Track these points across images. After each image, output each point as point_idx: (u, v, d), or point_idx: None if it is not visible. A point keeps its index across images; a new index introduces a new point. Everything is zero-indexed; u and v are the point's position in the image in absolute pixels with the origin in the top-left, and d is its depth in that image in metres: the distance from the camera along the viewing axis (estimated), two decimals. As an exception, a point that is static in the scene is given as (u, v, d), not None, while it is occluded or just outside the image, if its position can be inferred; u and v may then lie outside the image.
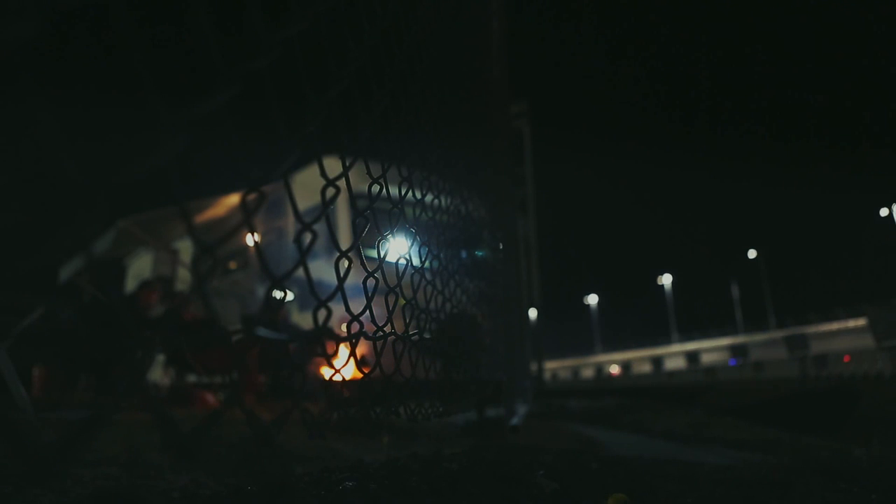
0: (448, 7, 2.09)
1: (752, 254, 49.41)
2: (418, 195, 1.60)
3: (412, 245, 1.52)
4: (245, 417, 0.65)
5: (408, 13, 1.42)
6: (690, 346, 46.61)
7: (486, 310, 3.01)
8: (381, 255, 1.25)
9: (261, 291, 7.04)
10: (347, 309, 1.07)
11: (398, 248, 1.42)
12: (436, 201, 1.79)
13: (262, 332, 0.69)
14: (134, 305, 4.84)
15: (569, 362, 56.87)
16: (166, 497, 1.38)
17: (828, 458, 2.54)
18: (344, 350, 1.10)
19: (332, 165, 0.96)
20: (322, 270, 1.08)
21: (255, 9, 0.65)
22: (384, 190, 1.23)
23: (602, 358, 54.97)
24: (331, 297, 0.93)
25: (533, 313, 11.13)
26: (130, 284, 8.21)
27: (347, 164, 1.01)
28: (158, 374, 5.78)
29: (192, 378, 5.39)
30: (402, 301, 1.37)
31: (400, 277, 1.38)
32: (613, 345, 56.55)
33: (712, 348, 44.40)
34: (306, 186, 1.43)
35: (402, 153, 1.36)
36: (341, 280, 1.02)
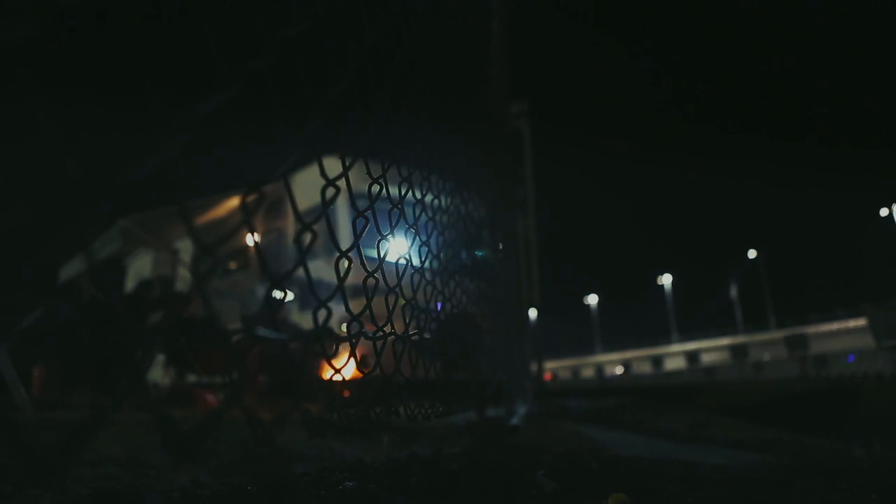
0: (448, 7, 2.08)
1: (752, 254, 49.43)
2: (418, 195, 1.60)
3: (412, 245, 1.52)
4: (245, 417, 0.65)
5: (408, 13, 1.42)
6: (690, 345, 46.60)
7: (486, 310, 3.00)
8: (381, 255, 1.25)
9: (261, 291, 7.04)
10: (347, 309, 1.07)
11: (398, 248, 1.42)
12: (436, 201, 1.79)
13: (262, 332, 0.69)
14: (134, 305, 4.84)
15: (569, 362, 56.85)
16: (166, 497, 1.38)
17: (828, 458, 2.54)
18: (344, 350, 1.11)
19: (332, 165, 0.96)
20: (322, 270, 1.09)
21: (255, 9, 0.65)
22: (384, 190, 1.23)
23: (602, 358, 54.96)
24: (331, 297, 0.93)
25: (533, 313, 11.13)
26: (130, 284, 8.22)
27: (347, 164, 1.01)
28: (158, 374, 5.78)
29: (192, 378, 5.39)
30: (401, 301, 1.37)
31: (400, 277, 1.38)
32: (613, 345, 56.55)
33: (712, 348, 44.39)
34: (306, 186, 1.43)
35: (402, 153, 1.36)
36: (341, 280, 1.02)
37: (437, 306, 1.78)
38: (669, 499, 1.36)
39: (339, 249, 1.03)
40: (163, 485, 1.52)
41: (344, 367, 1.15)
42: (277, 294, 0.76)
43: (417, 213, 1.57)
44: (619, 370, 45.30)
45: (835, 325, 34.27)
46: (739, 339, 42.86)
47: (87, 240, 0.41)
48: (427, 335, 1.63)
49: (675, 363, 45.70)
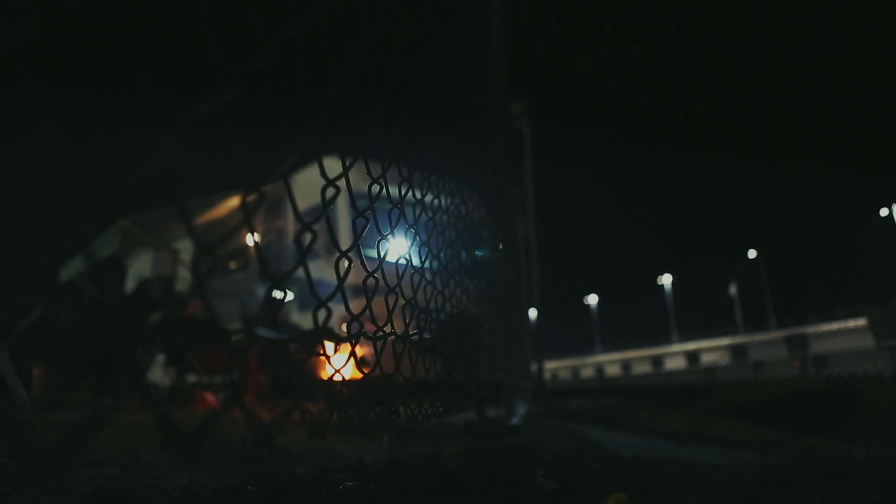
0: (448, 7, 2.08)
1: (752, 254, 49.44)
2: (418, 195, 1.60)
3: (412, 245, 1.52)
4: (245, 417, 0.65)
5: (408, 13, 1.42)
6: (690, 345, 46.57)
7: (486, 310, 3.01)
8: (381, 255, 1.25)
9: (261, 291, 7.04)
10: (347, 309, 1.07)
11: (398, 248, 1.41)
12: (436, 201, 1.79)
13: (262, 332, 0.69)
14: (134, 305, 4.83)
15: (569, 362, 56.85)
16: (166, 497, 1.38)
17: (828, 458, 2.54)
18: (344, 350, 1.11)
19: (332, 165, 0.96)
20: (322, 270, 1.09)
21: (255, 9, 0.65)
22: (384, 190, 1.23)
23: (602, 358, 54.96)
24: (331, 297, 0.93)
25: (533, 313, 11.12)
26: (130, 284, 8.22)
27: (347, 164, 1.01)
28: (158, 374, 5.78)
29: (192, 378, 5.39)
30: (402, 301, 1.37)
31: (400, 277, 1.38)
32: (613, 345, 56.55)
33: (712, 348, 44.36)
34: (306, 186, 1.43)
35: (402, 153, 1.36)
36: (341, 280, 1.02)
37: (444, 312, 1.78)
38: (669, 499, 1.36)
39: (339, 249, 1.03)
40: (163, 485, 1.52)
41: (344, 367, 1.15)
42: (277, 294, 0.76)
43: (417, 213, 1.57)
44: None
45: (835, 325, 34.25)
46: (739, 339, 42.83)
47: (87, 240, 0.41)
48: (427, 335, 1.63)
49: (675, 363, 45.68)
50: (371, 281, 1.20)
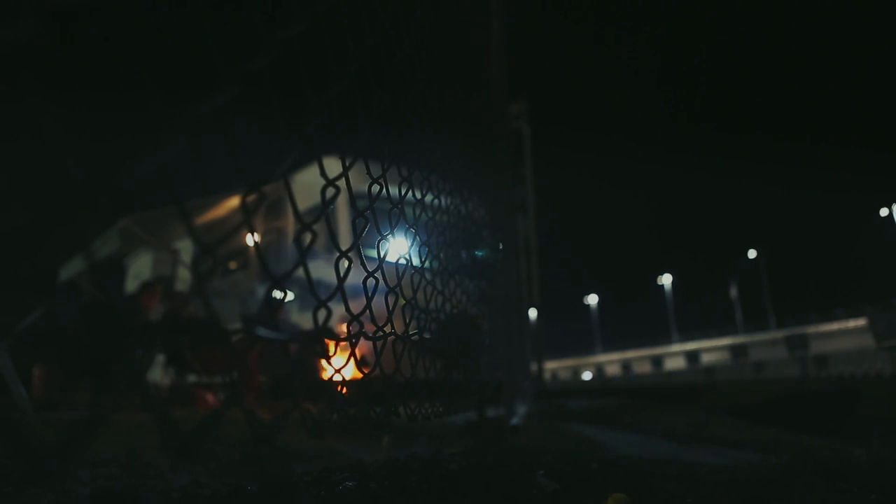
0: (448, 7, 2.08)
1: (752, 254, 49.49)
2: (418, 195, 1.60)
3: (412, 245, 1.52)
4: (245, 417, 0.65)
5: (408, 13, 1.42)
6: (690, 345, 46.60)
7: (486, 310, 3.00)
8: (381, 255, 1.25)
9: (261, 291, 7.04)
10: (347, 309, 1.07)
11: (398, 248, 1.42)
12: (436, 201, 1.79)
13: (262, 332, 0.69)
14: (135, 306, 4.83)
15: (569, 362, 56.88)
16: (166, 497, 1.38)
17: (828, 458, 2.54)
18: (344, 350, 1.11)
19: (332, 165, 0.96)
20: (322, 270, 1.09)
21: (255, 9, 0.65)
22: (384, 190, 1.23)
23: (602, 358, 55.00)
24: (331, 297, 0.93)
25: (533, 313, 11.12)
26: (130, 284, 8.22)
27: (347, 164, 1.01)
28: (158, 374, 5.77)
29: (192, 378, 5.39)
30: (402, 301, 1.37)
31: (400, 277, 1.38)
32: (613, 345, 56.62)
33: (712, 348, 44.38)
34: (306, 186, 1.43)
35: (402, 153, 1.36)
36: (341, 280, 1.02)
37: (444, 312, 1.78)
38: (669, 499, 1.36)
39: (339, 249, 1.03)
40: (163, 485, 1.52)
41: (344, 367, 1.15)
42: (277, 294, 0.76)
43: (417, 213, 1.57)
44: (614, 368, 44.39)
45: (835, 325, 34.29)
46: (739, 339, 42.84)
47: (87, 240, 0.41)
48: (427, 335, 1.63)
49: (675, 363, 45.68)
50: (371, 281, 1.20)
